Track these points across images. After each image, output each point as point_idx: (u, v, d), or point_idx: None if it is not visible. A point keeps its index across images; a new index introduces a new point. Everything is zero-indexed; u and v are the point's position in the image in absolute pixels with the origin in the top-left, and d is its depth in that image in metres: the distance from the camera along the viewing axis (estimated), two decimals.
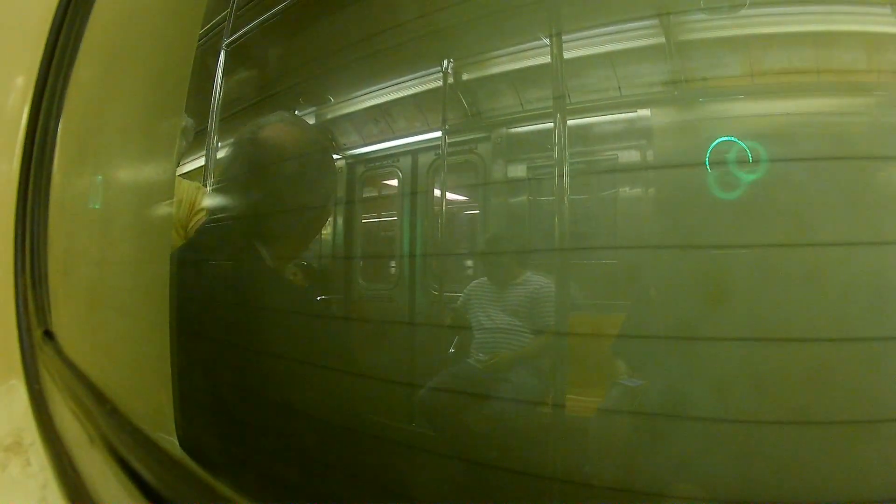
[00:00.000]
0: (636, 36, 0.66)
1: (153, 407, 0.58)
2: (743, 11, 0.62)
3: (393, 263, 0.59)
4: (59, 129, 0.92)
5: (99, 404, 0.58)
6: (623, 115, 0.65)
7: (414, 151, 0.60)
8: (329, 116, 0.63)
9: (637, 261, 0.61)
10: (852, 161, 0.54)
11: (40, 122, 0.99)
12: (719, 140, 0.59)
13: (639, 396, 0.63)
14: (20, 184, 1.01)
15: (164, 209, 0.63)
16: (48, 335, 0.80)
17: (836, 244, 0.51)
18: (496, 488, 0.56)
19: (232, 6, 0.72)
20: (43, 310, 0.83)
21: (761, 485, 0.50)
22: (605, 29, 0.66)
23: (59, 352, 0.73)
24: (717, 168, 0.58)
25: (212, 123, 0.69)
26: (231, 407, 0.64)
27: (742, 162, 0.56)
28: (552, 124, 0.59)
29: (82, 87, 0.87)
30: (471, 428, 0.59)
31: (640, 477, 0.59)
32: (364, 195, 0.59)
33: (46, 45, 1.08)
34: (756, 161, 0.57)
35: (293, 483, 0.59)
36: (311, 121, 0.64)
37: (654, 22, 0.64)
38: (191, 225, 0.74)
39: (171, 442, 0.58)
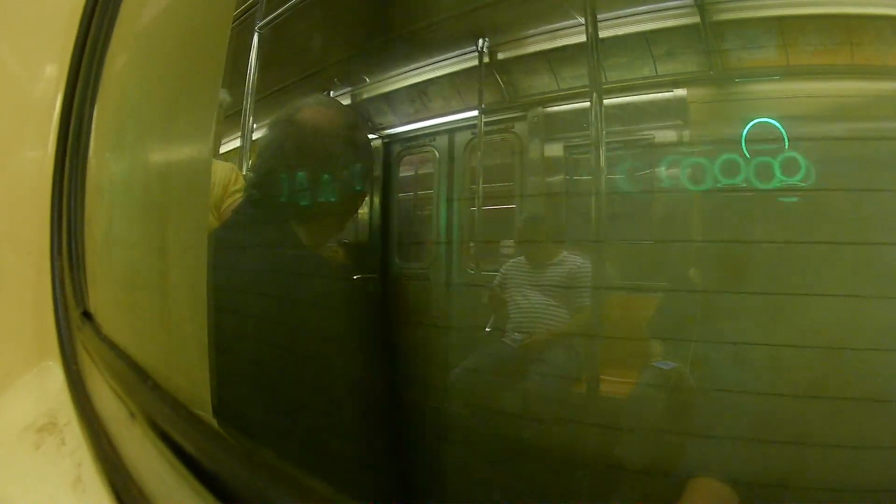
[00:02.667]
0: (672, 15, 0.65)
1: (192, 385, 0.59)
2: None
3: (429, 242, 0.59)
4: (94, 115, 0.94)
5: (141, 381, 0.59)
6: (658, 96, 0.64)
7: (450, 131, 0.60)
8: (364, 97, 0.64)
9: (674, 242, 0.60)
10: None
11: (75, 109, 1.01)
12: (756, 122, 0.57)
13: (672, 379, 0.62)
14: (55, 169, 1.03)
15: (201, 191, 0.63)
16: (87, 316, 0.82)
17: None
18: (528, 468, 0.56)
19: None
20: (81, 291, 0.85)
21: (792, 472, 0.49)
22: (641, 7, 0.65)
23: (99, 332, 0.75)
24: (754, 150, 0.56)
25: (247, 105, 0.69)
26: (267, 385, 0.65)
27: (779, 144, 0.55)
28: (588, 103, 0.59)
29: (117, 73, 0.89)
30: (505, 408, 0.59)
31: (670, 460, 0.58)
32: (400, 174, 0.60)
33: (78, 32, 1.10)
34: (793, 143, 0.55)
35: (327, 458, 0.60)
36: (347, 101, 0.64)
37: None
38: (224, 207, 0.74)
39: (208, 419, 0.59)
